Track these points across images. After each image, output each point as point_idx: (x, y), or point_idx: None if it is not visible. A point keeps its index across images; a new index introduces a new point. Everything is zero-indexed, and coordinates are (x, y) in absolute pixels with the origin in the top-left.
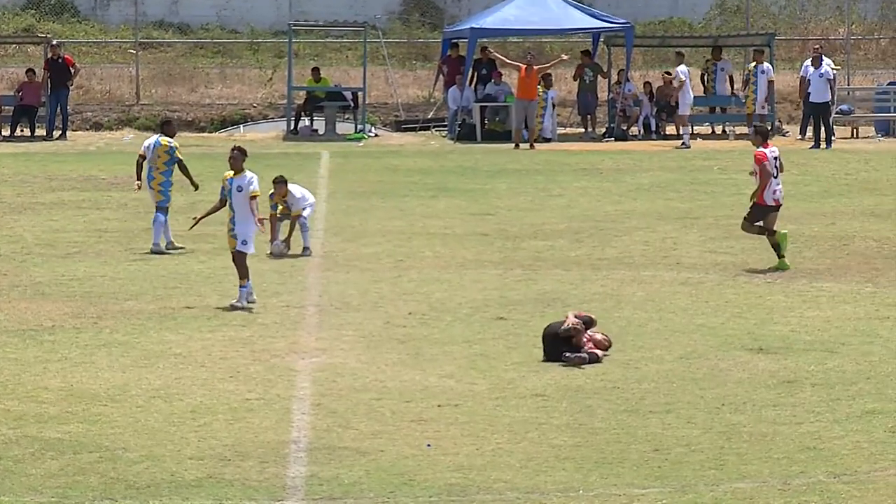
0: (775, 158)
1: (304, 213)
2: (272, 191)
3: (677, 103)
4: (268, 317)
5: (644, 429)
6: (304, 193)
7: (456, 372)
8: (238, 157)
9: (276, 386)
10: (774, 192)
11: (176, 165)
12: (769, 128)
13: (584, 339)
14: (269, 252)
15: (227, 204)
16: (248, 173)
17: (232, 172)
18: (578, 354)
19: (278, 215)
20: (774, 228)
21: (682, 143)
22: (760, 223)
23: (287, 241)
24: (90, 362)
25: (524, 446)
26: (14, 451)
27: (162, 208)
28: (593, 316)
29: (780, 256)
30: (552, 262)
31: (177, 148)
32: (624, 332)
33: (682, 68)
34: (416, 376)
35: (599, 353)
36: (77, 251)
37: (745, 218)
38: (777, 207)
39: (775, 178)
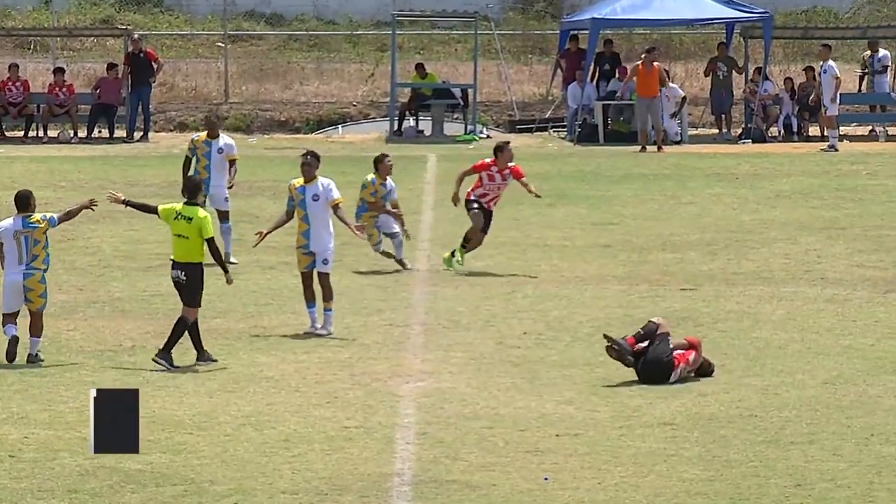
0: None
1: (396, 228)
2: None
3: (820, 102)
4: (368, 336)
5: (784, 461)
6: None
7: (576, 398)
8: (312, 164)
9: (377, 413)
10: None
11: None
12: None
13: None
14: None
15: (299, 216)
16: (324, 180)
17: (301, 180)
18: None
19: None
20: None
21: (830, 146)
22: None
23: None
24: (174, 386)
25: (651, 480)
26: (91, 483)
27: None
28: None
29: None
30: (682, 276)
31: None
32: (762, 354)
33: (832, 63)
34: (531, 403)
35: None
36: (160, 264)
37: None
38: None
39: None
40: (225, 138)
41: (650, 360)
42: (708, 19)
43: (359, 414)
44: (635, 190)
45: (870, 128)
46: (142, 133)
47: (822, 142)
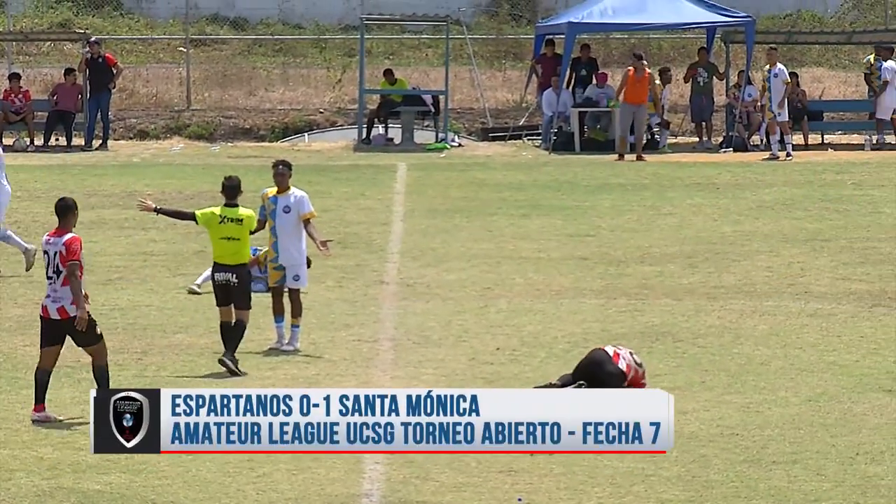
0: None
1: None
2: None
3: (769, 108)
4: (336, 352)
5: (767, 482)
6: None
7: None
8: (285, 173)
9: None
10: None
11: None
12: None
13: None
14: None
15: (269, 227)
16: (296, 191)
17: (275, 189)
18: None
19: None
20: None
21: (773, 155)
22: None
23: None
24: None
25: (629, 501)
26: None
27: None
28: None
29: None
30: (661, 290)
31: None
32: (744, 370)
33: (782, 67)
34: None
35: None
36: (119, 277)
37: None
38: None
39: None
40: None
41: (584, 364)
42: (689, 24)
43: None
44: (613, 200)
45: (865, 136)
46: (101, 141)
47: (807, 150)
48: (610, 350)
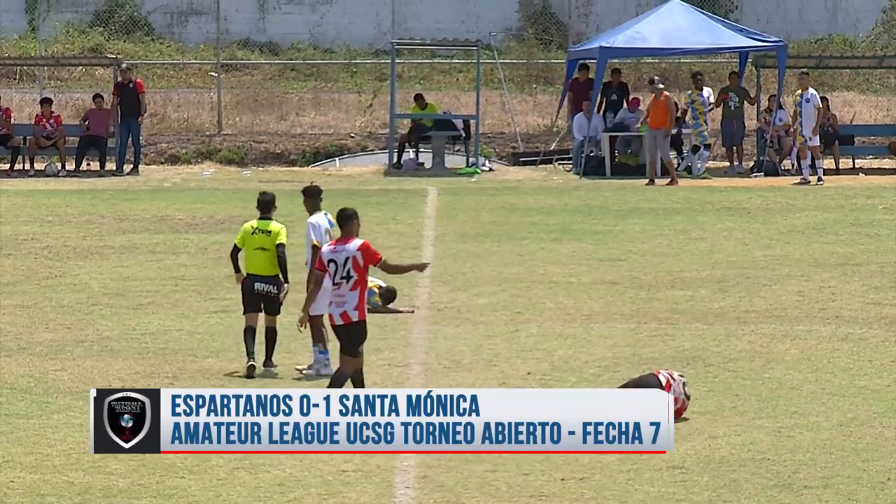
0: None
1: None
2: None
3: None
4: (367, 377)
5: None
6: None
7: None
8: (305, 200)
9: (375, 456)
10: None
11: None
12: None
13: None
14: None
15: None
16: (312, 219)
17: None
18: None
19: None
20: None
21: (803, 179)
22: None
23: None
24: None
25: None
26: None
27: None
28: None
29: None
30: (692, 314)
31: None
32: (774, 395)
33: (814, 92)
34: None
35: None
36: (150, 302)
37: None
38: None
39: None
40: None
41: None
42: (720, 48)
43: (356, 457)
44: (643, 225)
45: None
46: (132, 166)
47: (838, 175)
48: (663, 378)
